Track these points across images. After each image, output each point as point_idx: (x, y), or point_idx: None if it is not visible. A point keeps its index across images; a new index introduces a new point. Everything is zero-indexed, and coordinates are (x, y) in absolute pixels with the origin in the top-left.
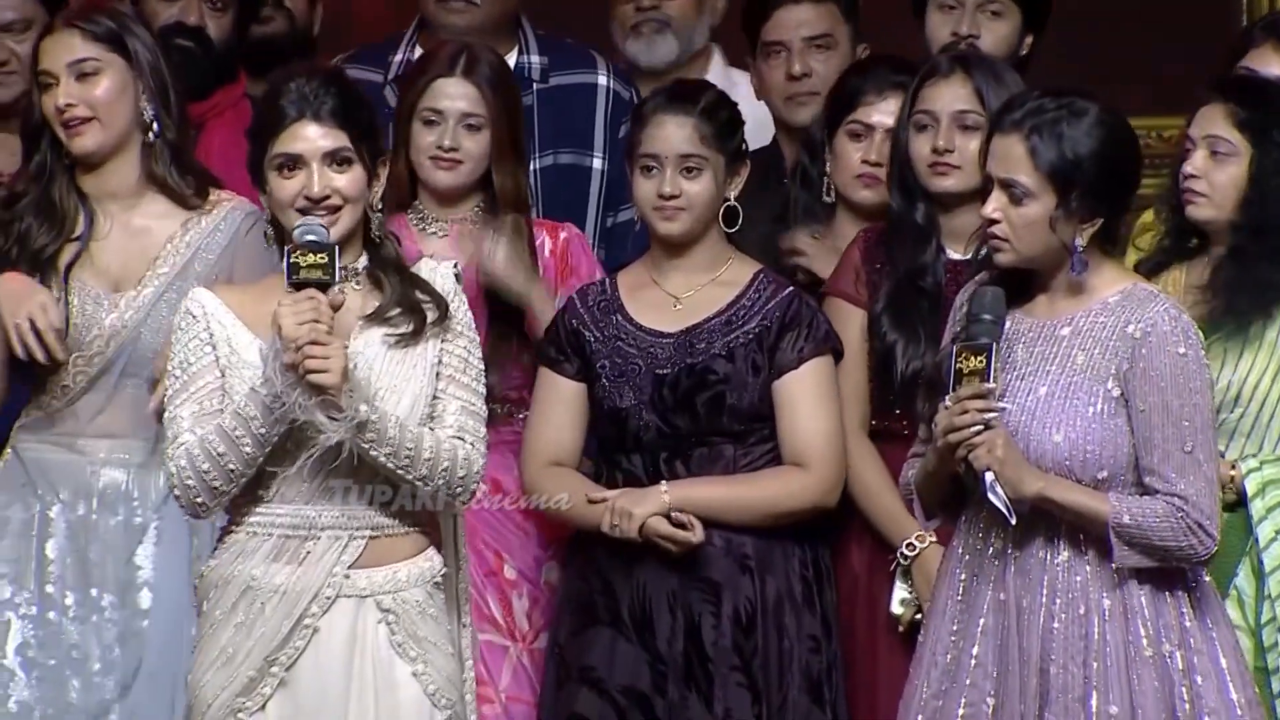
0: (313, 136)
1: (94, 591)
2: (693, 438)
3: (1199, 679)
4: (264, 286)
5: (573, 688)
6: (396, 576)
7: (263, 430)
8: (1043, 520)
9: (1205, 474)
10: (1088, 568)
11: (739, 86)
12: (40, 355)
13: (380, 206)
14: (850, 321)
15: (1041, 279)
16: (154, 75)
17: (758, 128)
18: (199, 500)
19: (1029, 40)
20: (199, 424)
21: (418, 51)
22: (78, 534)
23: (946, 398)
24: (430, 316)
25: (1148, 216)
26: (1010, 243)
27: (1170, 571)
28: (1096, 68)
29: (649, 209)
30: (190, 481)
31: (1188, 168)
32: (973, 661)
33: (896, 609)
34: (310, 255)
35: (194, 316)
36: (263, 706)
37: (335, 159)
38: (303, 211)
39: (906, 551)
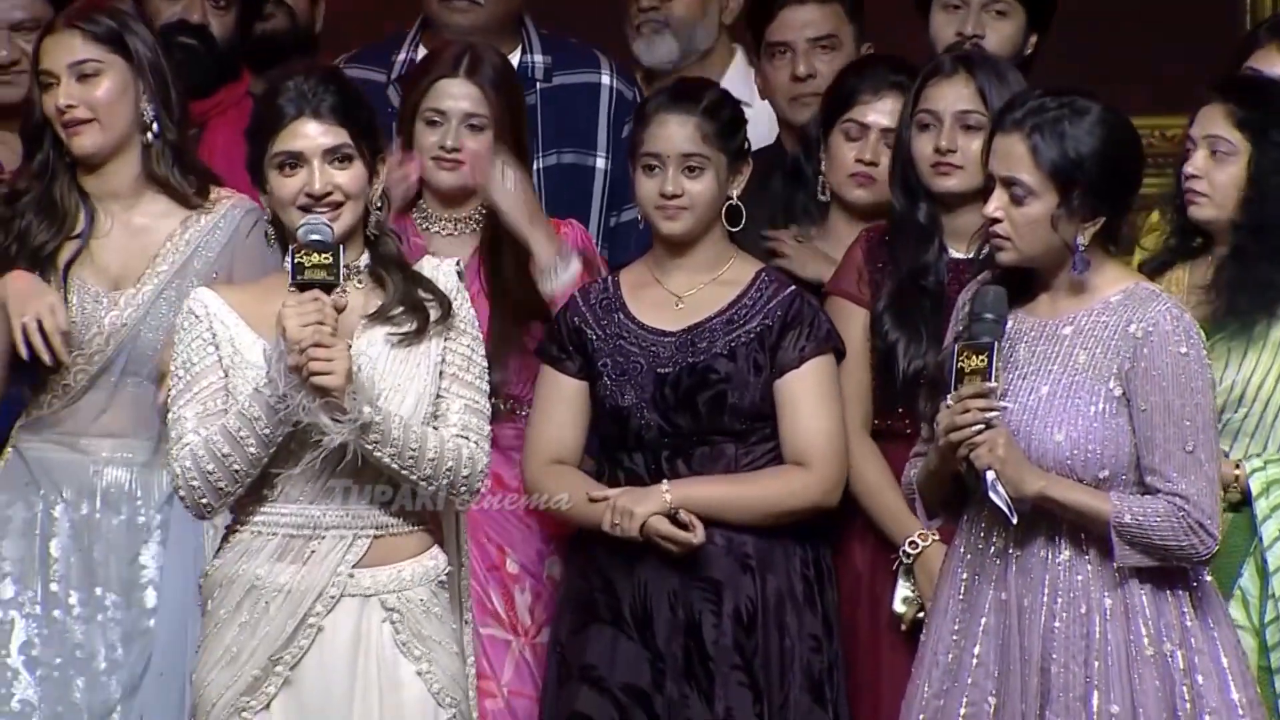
0: (313, 134)
1: (98, 591)
2: (694, 436)
3: (1200, 678)
4: (266, 285)
5: (574, 686)
6: (401, 575)
7: (267, 431)
8: (1044, 519)
9: (1206, 474)
10: (1089, 567)
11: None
12: (46, 357)
13: (380, 204)
14: (853, 321)
15: (1043, 278)
16: (155, 75)
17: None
18: (204, 501)
19: (1033, 40)
20: (203, 424)
21: (421, 51)
22: (81, 533)
23: (948, 397)
24: (433, 315)
25: (1155, 216)
26: (1012, 241)
27: (1171, 571)
28: (1097, 67)
29: (651, 208)
30: (195, 482)
31: (1188, 168)
32: (974, 661)
33: (899, 608)
34: (314, 255)
35: (196, 316)
36: (267, 705)
37: (336, 156)
38: (304, 209)
39: (909, 550)
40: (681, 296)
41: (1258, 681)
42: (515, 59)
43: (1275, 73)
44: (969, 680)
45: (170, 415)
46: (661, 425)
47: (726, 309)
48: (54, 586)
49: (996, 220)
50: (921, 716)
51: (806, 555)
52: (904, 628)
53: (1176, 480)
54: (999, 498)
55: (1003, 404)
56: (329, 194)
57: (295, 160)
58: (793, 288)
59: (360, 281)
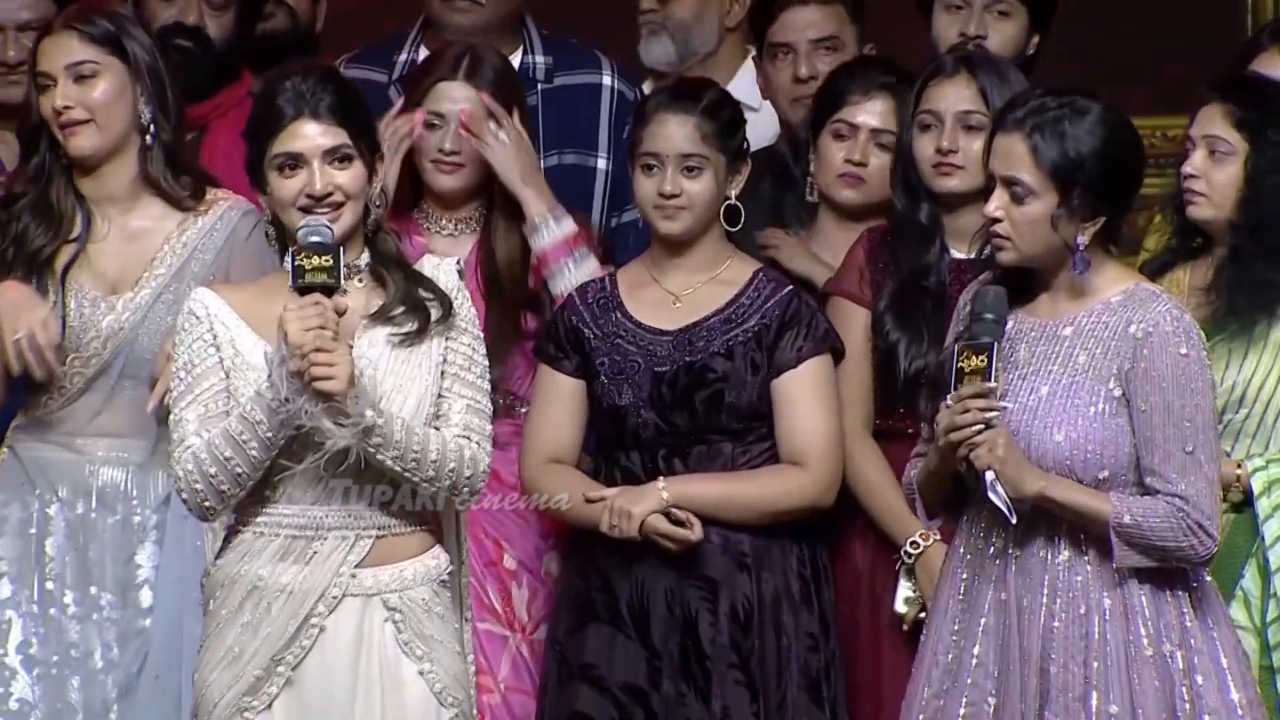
0: (312, 134)
1: (93, 590)
2: (691, 436)
3: (1199, 678)
4: (266, 285)
5: (574, 686)
6: (403, 575)
7: (269, 434)
8: (1043, 520)
9: (1206, 474)
10: (1088, 567)
11: None
12: (39, 373)
13: (380, 202)
14: (854, 321)
15: (1044, 278)
16: (152, 77)
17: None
18: (206, 504)
19: (1035, 40)
20: (205, 427)
21: (422, 51)
22: (77, 532)
23: (948, 397)
24: (434, 314)
25: (1160, 217)
26: (1012, 241)
27: (1171, 571)
28: (1097, 68)
29: (650, 207)
30: (197, 485)
31: (1187, 168)
32: (974, 661)
33: (900, 608)
34: (315, 258)
35: (197, 317)
36: (269, 706)
37: (335, 156)
38: (305, 210)
39: (910, 550)
40: (679, 296)
41: (1259, 681)
42: (516, 59)
43: (1277, 76)
44: (968, 680)
45: (172, 417)
46: (659, 424)
47: (724, 308)
48: (49, 585)
49: (997, 220)
50: (921, 717)
51: (803, 554)
52: (906, 628)
53: (1176, 481)
54: (998, 498)
55: (1002, 404)
56: (330, 194)
57: (295, 161)
58: (790, 287)
59: (361, 280)
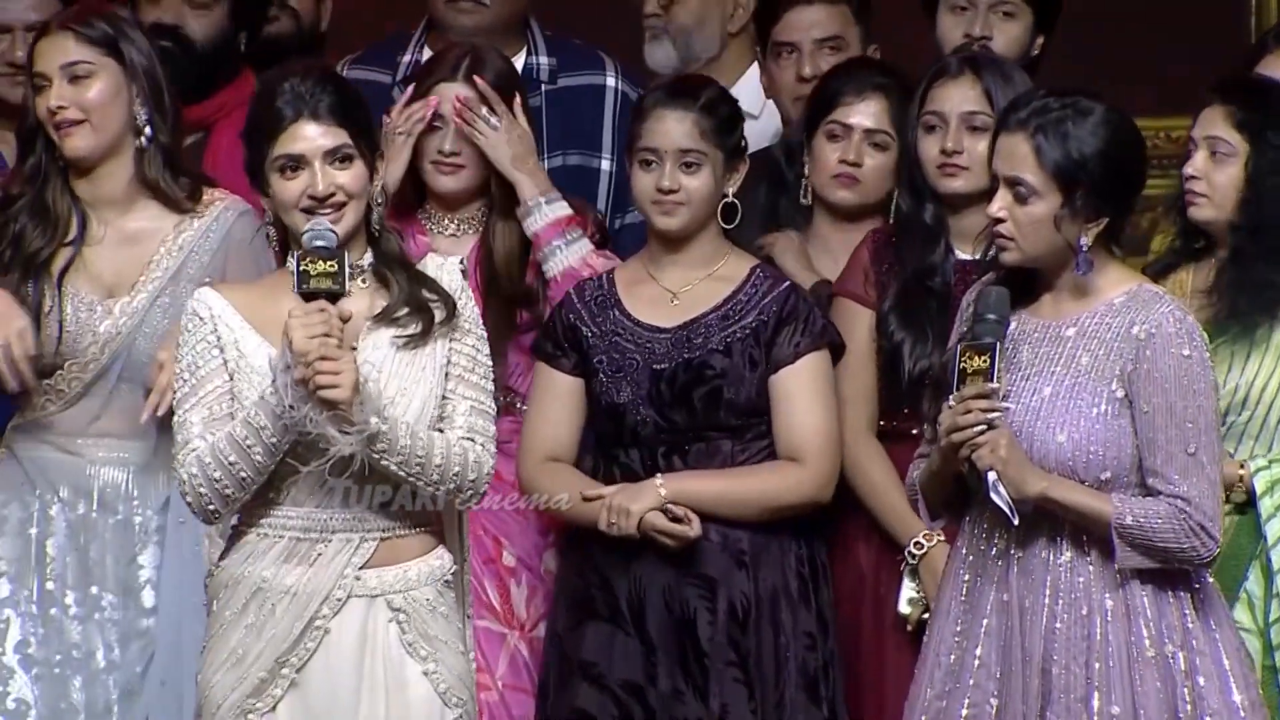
0: (313, 135)
1: (94, 590)
2: (690, 433)
3: (1201, 680)
4: (268, 285)
5: (574, 683)
6: (407, 575)
7: (273, 440)
8: (1045, 521)
9: (1208, 476)
10: (1090, 568)
11: None
12: (12, 384)
13: (381, 201)
14: (859, 322)
15: (1047, 279)
16: (148, 79)
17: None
18: (210, 507)
19: (1040, 41)
20: (209, 430)
21: (426, 52)
22: (77, 533)
23: (950, 397)
24: (438, 316)
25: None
26: (1015, 241)
27: (1173, 572)
28: (1102, 68)
29: (647, 203)
30: (202, 489)
31: (1188, 169)
32: (976, 662)
33: (904, 608)
34: (320, 263)
35: (201, 318)
36: (273, 708)
37: (337, 156)
38: (307, 211)
39: (914, 550)
40: (677, 293)
41: (1263, 682)
42: (520, 61)
43: None
44: (971, 681)
45: (175, 419)
46: (657, 421)
47: (722, 305)
48: (50, 585)
49: (1000, 220)
50: (924, 717)
51: (801, 552)
52: (910, 628)
53: (1178, 482)
54: (1000, 499)
55: (1004, 405)
56: (332, 195)
57: (296, 163)
58: (788, 283)
59: (364, 281)
